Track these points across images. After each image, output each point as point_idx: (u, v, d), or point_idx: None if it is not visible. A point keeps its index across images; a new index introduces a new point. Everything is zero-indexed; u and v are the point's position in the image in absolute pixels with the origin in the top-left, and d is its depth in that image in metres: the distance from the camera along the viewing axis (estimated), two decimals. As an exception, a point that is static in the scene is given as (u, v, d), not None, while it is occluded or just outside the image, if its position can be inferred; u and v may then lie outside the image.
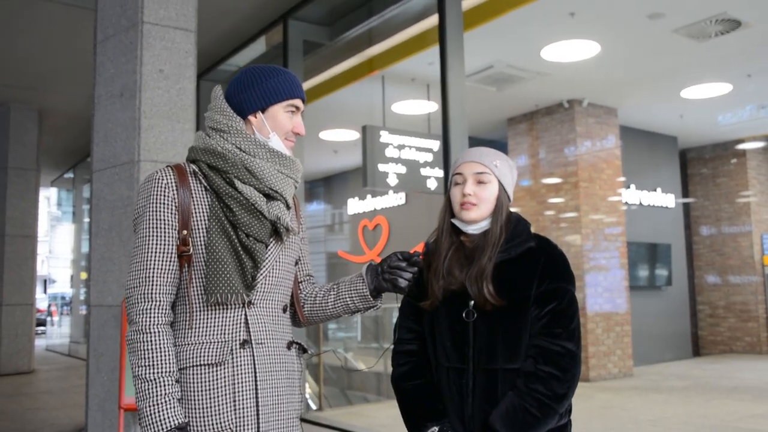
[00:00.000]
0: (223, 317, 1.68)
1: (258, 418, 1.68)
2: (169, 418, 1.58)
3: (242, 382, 1.67)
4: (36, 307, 10.50)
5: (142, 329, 1.63)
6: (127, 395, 4.40)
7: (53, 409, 6.98)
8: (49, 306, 18.07)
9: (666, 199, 10.85)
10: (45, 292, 20.57)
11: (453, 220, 1.90)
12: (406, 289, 1.82)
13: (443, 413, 1.84)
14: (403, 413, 1.92)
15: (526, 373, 1.76)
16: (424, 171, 6.99)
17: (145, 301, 1.64)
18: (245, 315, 1.70)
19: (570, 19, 6.39)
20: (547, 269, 1.81)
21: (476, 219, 1.85)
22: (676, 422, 6.10)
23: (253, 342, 1.70)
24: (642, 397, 7.60)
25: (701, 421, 6.12)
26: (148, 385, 1.60)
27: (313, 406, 7.34)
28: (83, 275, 13.49)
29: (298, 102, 1.81)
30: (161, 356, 1.62)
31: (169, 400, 1.60)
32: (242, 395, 1.66)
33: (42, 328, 18.27)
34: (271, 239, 1.77)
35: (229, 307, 1.68)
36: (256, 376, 1.68)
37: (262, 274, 1.73)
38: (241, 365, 1.67)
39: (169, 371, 1.62)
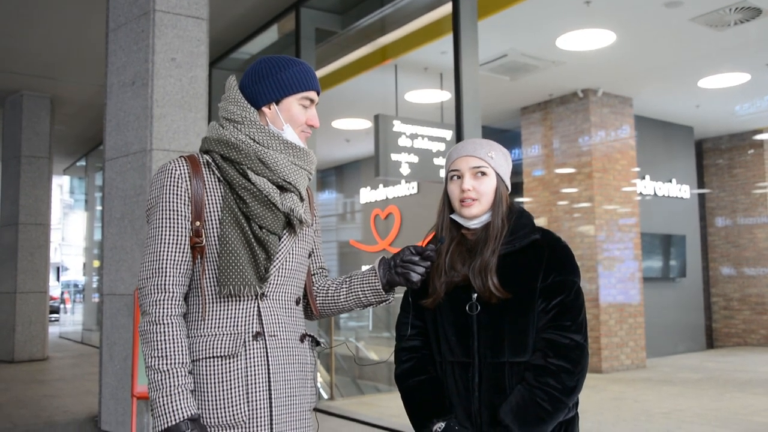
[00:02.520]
0: (235, 309, 1.67)
1: (271, 411, 1.67)
2: (181, 409, 1.57)
3: (255, 375, 1.65)
4: (49, 295, 10.56)
5: (155, 320, 1.62)
6: (140, 384, 4.41)
7: (67, 396, 7.03)
8: (62, 293, 18.20)
9: (681, 190, 10.75)
10: (58, 279, 20.72)
11: (453, 216, 1.88)
12: (419, 284, 1.80)
13: (449, 409, 1.81)
14: (408, 410, 1.89)
15: (536, 366, 1.74)
16: (437, 161, 6.96)
17: (158, 293, 1.63)
18: (258, 307, 1.69)
19: (585, 7, 6.31)
20: (552, 262, 1.79)
21: (478, 214, 1.83)
22: (689, 415, 6.05)
23: (266, 334, 1.68)
24: (655, 389, 7.56)
25: (714, 415, 6.07)
26: (161, 376, 1.59)
27: (325, 396, 7.35)
28: (96, 263, 13.57)
29: (312, 94, 1.79)
30: (174, 347, 1.61)
31: (182, 391, 1.59)
32: (255, 387, 1.65)
33: (55, 315, 18.42)
34: (285, 231, 1.75)
35: (242, 299, 1.67)
36: (269, 369, 1.67)
37: (275, 266, 1.71)
38: (254, 357, 1.66)
39: (182, 362, 1.61)
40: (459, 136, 5.04)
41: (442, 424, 1.77)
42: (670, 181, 10.59)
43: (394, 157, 6.69)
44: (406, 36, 6.92)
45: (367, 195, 12.57)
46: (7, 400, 6.79)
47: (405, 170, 6.76)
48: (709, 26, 6.71)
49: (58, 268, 20.94)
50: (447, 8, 5.55)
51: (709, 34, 6.92)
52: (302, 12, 6.50)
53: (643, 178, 10.11)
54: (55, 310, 18.34)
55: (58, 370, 9.21)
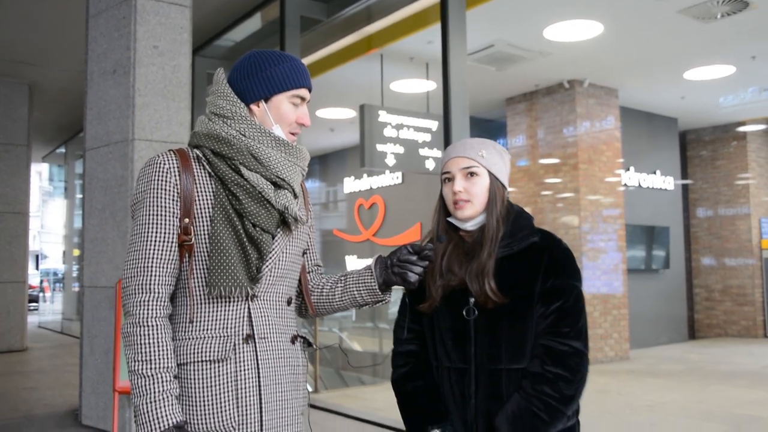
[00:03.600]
0: (225, 311, 1.60)
1: (261, 416, 1.61)
2: (166, 416, 1.50)
3: (245, 379, 1.59)
4: (28, 284, 10.40)
5: (138, 322, 1.54)
6: (122, 378, 4.33)
7: (47, 388, 6.91)
8: (41, 282, 17.97)
9: (665, 182, 10.79)
10: (37, 268, 20.47)
11: (449, 219, 1.83)
12: (416, 284, 1.74)
13: (445, 415, 1.77)
14: (404, 416, 1.85)
15: (533, 374, 1.69)
16: (423, 151, 6.90)
17: (142, 293, 1.56)
18: (248, 309, 1.62)
19: (574, -3, 6.27)
20: (551, 265, 1.73)
21: (471, 216, 1.78)
22: (673, 408, 6.08)
23: (256, 337, 1.62)
24: (638, 381, 7.59)
25: (699, 407, 6.10)
26: (145, 381, 1.52)
27: (310, 389, 7.29)
28: (75, 252, 13.39)
29: (303, 92, 1.72)
30: (159, 351, 1.53)
31: (167, 397, 1.52)
32: (245, 392, 1.59)
33: (34, 304, 18.18)
34: (278, 229, 1.68)
35: (232, 300, 1.60)
36: (259, 372, 1.61)
37: (267, 266, 1.64)
38: (244, 361, 1.60)
39: (167, 367, 1.54)
40: (447, 127, 4.98)
41: (437, 431, 1.73)
42: (655, 173, 10.62)
43: (379, 147, 6.62)
44: (392, 25, 6.84)
45: (351, 185, 12.50)
46: (-16, 392, 6.67)
47: (390, 160, 6.70)
48: (696, 18, 6.69)
49: (37, 256, 20.69)
50: (434, -3, 5.47)
51: (696, 26, 6.91)
52: (287, -1, 6.39)
53: (628, 169, 10.13)
54: (34, 299, 18.10)
55: (38, 361, 9.07)
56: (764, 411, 5.97)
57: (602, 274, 9.12)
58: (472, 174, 1.78)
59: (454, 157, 1.80)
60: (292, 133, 1.72)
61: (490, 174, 1.79)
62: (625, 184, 9.97)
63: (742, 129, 11.29)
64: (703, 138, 11.81)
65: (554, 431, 1.69)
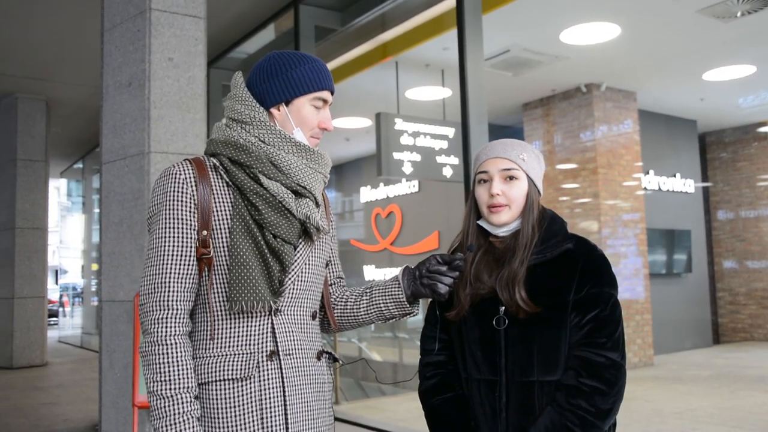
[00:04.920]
0: (247, 327, 1.53)
1: None
2: None
3: (270, 398, 1.52)
4: (48, 299, 10.44)
5: (157, 340, 1.48)
6: (141, 393, 4.29)
7: (67, 403, 6.90)
8: (61, 297, 18.07)
9: (685, 185, 10.63)
10: (56, 282, 20.59)
11: (480, 222, 1.74)
12: (446, 295, 1.66)
13: (474, 430, 1.69)
14: (431, 430, 1.77)
15: (568, 386, 1.60)
16: (440, 159, 6.84)
17: (160, 310, 1.49)
18: (272, 324, 1.55)
19: (591, 0, 6.18)
20: (587, 273, 1.65)
21: (508, 221, 1.69)
22: (702, 414, 5.94)
23: (280, 353, 1.55)
24: (664, 387, 7.44)
25: (729, 414, 5.96)
26: (165, 402, 1.45)
27: (330, 400, 7.23)
28: (94, 266, 13.44)
29: (326, 94, 1.64)
30: (178, 370, 1.47)
31: (188, 419, 1.45)
32: (270, 412, 1.51)
33: (54, 319, 18.28)
34: (300, 240, 1.61)
35: (255, 315, 1.53)
36: (284, 391, 1.54)
37: (290, 279, 1.58)
38: (268, 379, 1.52)
39: (188, 387, 1.47)
40: (465, 134, 4.92)
41: None
42: (675, 176, 10.47)
43: (396, 155, 6.58)
44: (406, 32, 6.80)
45: (367, 194, 12.45)
46: (5, 408, 6.66)
47: (407, 169, 6.65)
48: (715, 17, 6.58)
49: (56, 271, 20.82)
50: (448, 4, 5.41)
51: (715, 26, 6.80)
52: (301, 9, 6.38)
53: (648, 173, 10.00)
54: (53, 314, 18.20)
55: (58, 376, 9.08)
56: (796, 417, 5.83)
57: (624, 280, 8.99)
58: (511, 177, 1.69)
59: (494, 158, 1.71)
60: (315, 138, 1.65)
61: (529, 179, 1.71)
62: (645, 188, 9.84)
63: (762, 130, 11.11)
64: (723, 140, 11.64)
65: None
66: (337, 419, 5.93)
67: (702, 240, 11.00)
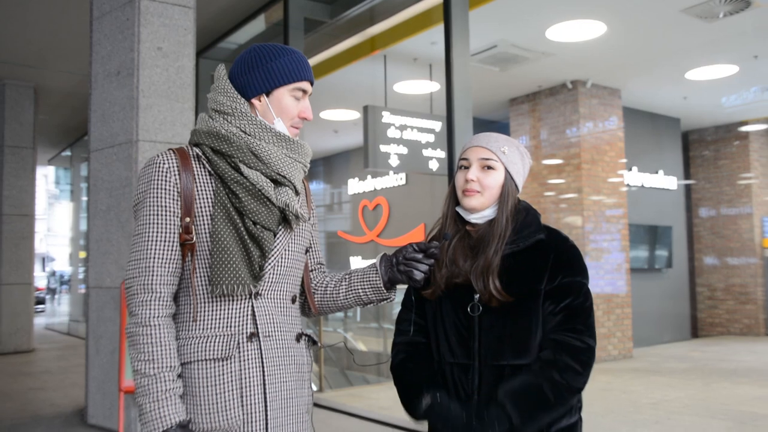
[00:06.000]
0: (228, 309, 1.62)
1: (266, 414, 1.62)
2: (170, 415, 1.52)
3: (250, 377, 1.60)
4: (35, 286, 10.46)
5: (142, 322, 1.56)
6: (127, 378, 4.36)
7: (53, 389, 6.96)
8: (48, 283, 18.05)
9: (668, 181, 10.79)
10: (44, 270, 20.55)
11: (457, 208, 1.83)
12: (422, 282, 1.75)
13: (439, 384, 1.75)
14: (400, 393, 1.83)
15: (544, 360, 1.68)
16: (426, 152, 6.92)
17: (145, 293, 1.57)
18: (252, 307, 1.63)
19: (576, -3, 6.28)
20: (559, 263, 1.73)
21: (477, 207, 1.77)
22: (677, 405, 6.08)
23: (260, 335, 1.63)
24: (642, 379, 7.60)
25: (702, 405, 6.11)
26: (149, 380, 1.53)
27: (314, 387, 7.34)
28: (82, 254, 13.45)
29: (305, 85, 1.72)
30: (162, 350, 1.55)
31: (170, 396, 1.53)
32: (250, 390, 1.60)
33: (41, 306, 18.26)
34: (280, 227, 1.69)
35: (236, 298, 1.61)
36: (263, 371, 1.62)
37: (269, 264, 1.66)
38: (248, 359, 1.61)
39: (171, 366, 1.55)
40: (450, 127, 5.00)
41: (428, 397, 1.71)
42: (657, 173, 10.62)
43: (383, 148, 6.65)
44: (395, 26, 6.86)
45: (355, 186, 12.52)
46: (-8, 393, 6.71)
47: (394, 161, 6.72)
48: (699, 17, 6.70)
49: (43, 259, 20.77)
50: (436, -2, 5.48)
51: (699, 26, 6.92)
52: (290, 1, 6.42)
53: (631, 169, 10.14)
54: (41, 301, 18.18)
55: (44, 362, 9.12)
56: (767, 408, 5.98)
57: (605, 274, 9.13)
58: (489, 167, 1.78)
59: (476, 146, 1.80)
60: (295, 127, 1.73)
61: (507, 172, 1.79)
62: (628, 184, 9.98)
63: (744, 129, 11.29)
64: (706, 138, 11.81)
65: (555, 415, 1.67)
66: (320, 406, 6.03)
67: (683, 236, 11.17)
